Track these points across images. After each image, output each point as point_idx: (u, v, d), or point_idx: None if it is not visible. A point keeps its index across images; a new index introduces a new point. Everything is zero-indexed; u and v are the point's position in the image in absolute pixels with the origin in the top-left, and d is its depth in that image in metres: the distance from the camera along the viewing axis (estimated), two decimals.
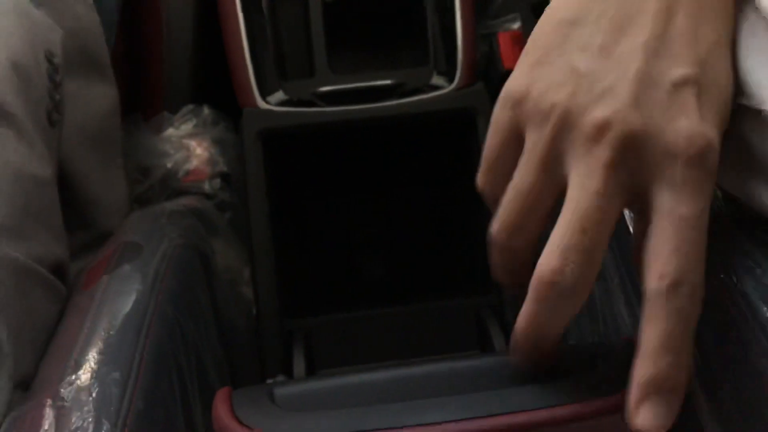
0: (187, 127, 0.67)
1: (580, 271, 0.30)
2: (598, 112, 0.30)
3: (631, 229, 0.41)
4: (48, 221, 0.44)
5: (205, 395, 0.43)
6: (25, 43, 0.46)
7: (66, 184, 0.55)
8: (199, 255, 0.50)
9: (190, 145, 0.66)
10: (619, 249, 0.44)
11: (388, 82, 0.65)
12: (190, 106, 0.69)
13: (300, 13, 0.68)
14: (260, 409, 0.34)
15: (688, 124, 0.30)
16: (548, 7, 0.34)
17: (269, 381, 0.56)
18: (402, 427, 0.32)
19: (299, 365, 0.54)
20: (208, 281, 0.51)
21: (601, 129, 0.30)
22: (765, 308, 0.32)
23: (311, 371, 0.58)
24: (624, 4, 0.31)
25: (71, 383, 0.35)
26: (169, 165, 0.64)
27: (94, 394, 0.35)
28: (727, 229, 0.36)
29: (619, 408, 0.32)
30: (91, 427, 0.33)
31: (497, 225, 0.33)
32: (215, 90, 0.69)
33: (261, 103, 0.63)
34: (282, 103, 0.64)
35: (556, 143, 0.31)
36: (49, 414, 0.34)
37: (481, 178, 0.35)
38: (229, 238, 0.64)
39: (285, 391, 0.36)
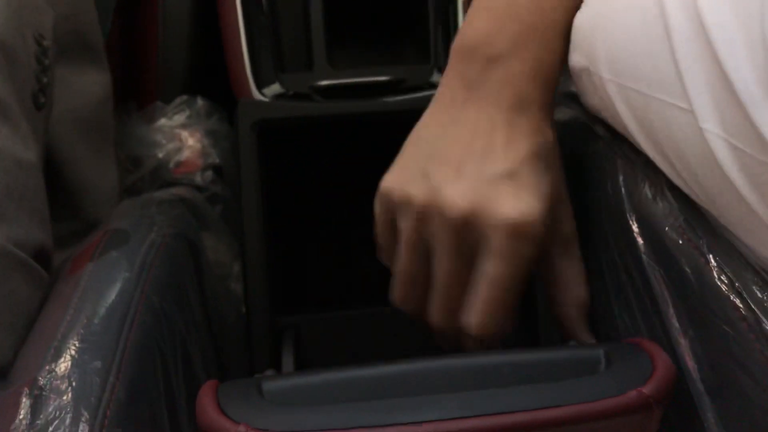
0: (180, 117, 0.66)
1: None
2: (440, 204, 0.41)
3: (635, 232, 0.41)
4: (31, 205, 0.43)
5: (190, 388, 0.42)
6: (12, 23, 0.45)
7: (56, 170, 0.53)
8: (189, 245, 0.49)
9: (182, 136, 0.65)
10: (617, 248, 0.43)
11: (387, 78, 0.64)
12: (184, 97, 0.68)
13: (300, 6, 0.67)
14: (247, 402, 0.33)
15: (507, 206, 0.40)
16: (415, 127, 0.46)
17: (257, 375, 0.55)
18: (392, 425, 0.31)
19: (288, 362, 0.53)
20: (197, 272, 0.50)
21: (443, 218, 0.41)
22: (765, 320, 0.32)
23: (300, 369, 0.57)
24: (460, 130, 0.43)
25: (50, 371, 0.34)
26: (160, 155, 0.63)
27: (73, 383, 0.33)
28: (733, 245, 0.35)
29: (625, 409, 0.31)
30: (68, 417, 0.32)
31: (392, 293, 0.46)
32: (210, 80, 0.68)
33: (257, 95, 0.62)
34: (278, 96, 0.63)
35: (419, 229, 0.42)
36: (25, 403, 0.33)
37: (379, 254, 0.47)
38: (220, 232, 0.63)
39: (273, 385, 0.35)
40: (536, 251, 0.41)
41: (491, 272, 0.41)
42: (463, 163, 0.42)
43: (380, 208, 0.45)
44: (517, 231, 0.40)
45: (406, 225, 0.43)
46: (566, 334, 0.46)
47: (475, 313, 0.42)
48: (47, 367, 0.34)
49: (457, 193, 0.41)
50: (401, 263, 0.44)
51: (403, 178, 0.44)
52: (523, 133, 0.43)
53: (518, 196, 0.41)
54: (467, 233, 0.41)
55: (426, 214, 0.42)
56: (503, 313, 0.42)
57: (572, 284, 0.45)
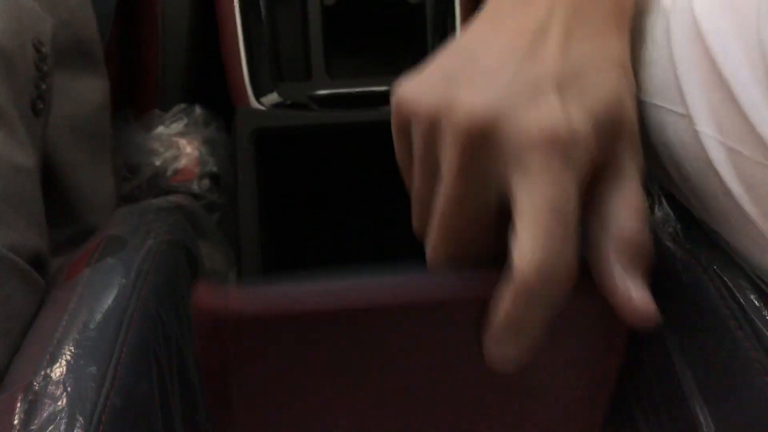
0: (178, 125, 0.66)
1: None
2: (452, 108, 0.31)
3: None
4: (27, 210, 0.43)
5: (185, 395, 0.41)
6: (10, 30, 0.45)
7: (52, 177, 0.53)
8: (186, 252, 0.49)
9: (180, 144, 0.65)
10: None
11: (385, 88, 0.64)
12: (182, 105, 0.68)
13: (299, 16, 0.67)
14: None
15: (547, 115, 0.30)
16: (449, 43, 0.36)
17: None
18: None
19: None
20: (193, 279, 0.50)
21: (451, 126, 0.31)
22: (762, 329, 0.32)
23: None
24: (502, 35, 0.33)
25: (45, 377, 0.34)
26: (157, 163, 0.63)
27: (69, 389, 0.33)
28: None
29: None
30: (63, 422, 0.32)
31: (413, 221, 0.37)
32: (208, 89, 0.68)
33: (255, 104, 0.63)
34: (276, 105, 0.63)
35: (428, 143, 0.33)
36: (19, 408, 0.33)
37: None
38: (216, 240, 0.63)
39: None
40: (582, 172, 0.30)
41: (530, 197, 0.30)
42: (497, 65, 0.32)
43: (394, 121, 0.36)
44: (552, 143, 0.30)
45: (415, 138, 0.34)
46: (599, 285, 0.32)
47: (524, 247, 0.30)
48: (42, 373, 0.34)
49: (476, 96, 0.31)
50: (414, 184, 0.35)
51: (421, 86, 0.34)
52: (589, 36, 0.33)
53: (559, 107, 0.30)
54: (482, 149, 0.31)
55: (435, 122, 0.32)
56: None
57: (620, 216, 0.32)
